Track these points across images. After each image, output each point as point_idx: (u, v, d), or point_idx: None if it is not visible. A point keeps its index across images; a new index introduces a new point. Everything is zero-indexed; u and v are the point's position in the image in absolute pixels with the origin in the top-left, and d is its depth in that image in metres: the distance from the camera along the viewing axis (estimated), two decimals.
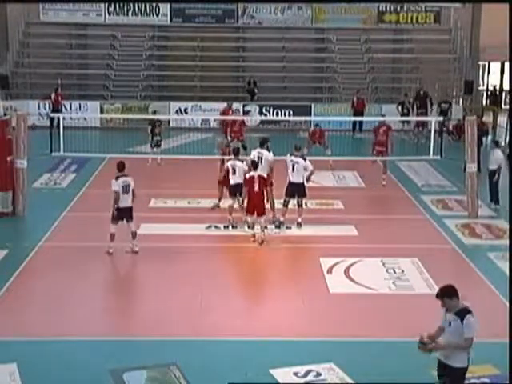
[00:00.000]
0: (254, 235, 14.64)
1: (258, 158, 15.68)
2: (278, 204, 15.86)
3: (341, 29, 33.63)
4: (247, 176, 14.71)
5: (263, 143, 16.11)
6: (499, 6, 26.94)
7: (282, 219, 15.60)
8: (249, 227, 14.90)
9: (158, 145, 21.96)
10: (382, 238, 15.34)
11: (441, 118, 21.47)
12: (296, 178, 15.55)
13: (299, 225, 15.72)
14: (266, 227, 14.70)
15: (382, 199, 19.46)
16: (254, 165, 14.86)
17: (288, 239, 15.27)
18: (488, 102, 35.35)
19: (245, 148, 21.75)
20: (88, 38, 34.15)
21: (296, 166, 15.49)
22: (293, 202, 15.72)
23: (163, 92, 32.34)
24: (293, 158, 15.55)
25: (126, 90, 31.70)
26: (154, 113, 23.42)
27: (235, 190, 15.41)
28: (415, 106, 28.34)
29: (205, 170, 19.74)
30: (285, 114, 28.79)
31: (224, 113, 24.79)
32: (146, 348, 10.07)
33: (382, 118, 22.93)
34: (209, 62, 32.87)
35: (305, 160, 15.65)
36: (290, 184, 15.56)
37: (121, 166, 14.01)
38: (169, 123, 23.95)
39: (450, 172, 21.05)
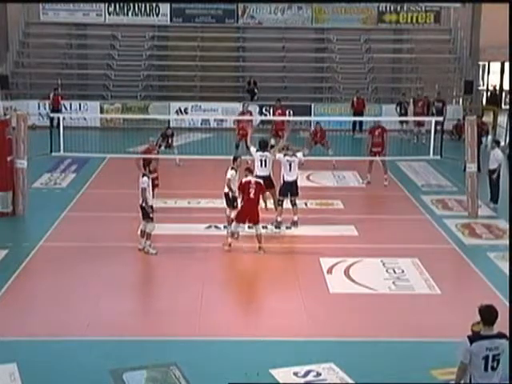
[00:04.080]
0: (230, 244, 14.20)
1: (261, 160, 15.69)
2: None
3: (341, 29, 33.63)
4: (243, 181, 14.23)
5: (264, 145, 16.08)
6: (499, 5, 26.94)
7: (279, 219, 15.61)
8: (232, 235, 14.26)
9: (169, 146, 21.80)
10: (382, 238, 15.33)
11: (441, 118, 21.45)
12: (292, 176, 15.69)
13: (295, 224, 15.75)
14: (261, 235, 14.25)
15: (382, 199, 19.46)
16: (250, 170, 14.49)
17: (288, 239, 15.27)
18: (488, 101, 35.33)
19: (248, 148, 21.72)
20: (88, 38, 34.15)
21: (293, 164, 15.66)
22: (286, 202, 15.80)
23: (163, 92, 32.34)
24: (288, 157, 15.62)
25: (126, 90, 31.70)
26: (169, 127, 22.93)
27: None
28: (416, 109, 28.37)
29: (205, 170, 19.78)
30: (285, 114, 28.75)
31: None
32: (146, 348, 10.07)
33: (377, 118, 22.94)
34: (209, 62, 32.86)
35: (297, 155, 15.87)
36: (286, 183, 15.61)
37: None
38: (169, 123, 23.89)
39: (449, 172, 21.05)
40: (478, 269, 13.44)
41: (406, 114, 27.90)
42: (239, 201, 14.43)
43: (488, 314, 7.11)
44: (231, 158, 15.39)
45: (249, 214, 14.11)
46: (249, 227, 15.28)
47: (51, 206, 17.22)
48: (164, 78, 33.43)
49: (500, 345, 7.10)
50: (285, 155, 15.68)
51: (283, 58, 33.24)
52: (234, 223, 14.29)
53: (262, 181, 14.39)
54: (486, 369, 7.05)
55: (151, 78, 33.08)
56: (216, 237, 14.50)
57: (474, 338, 7.10)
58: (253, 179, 14.19)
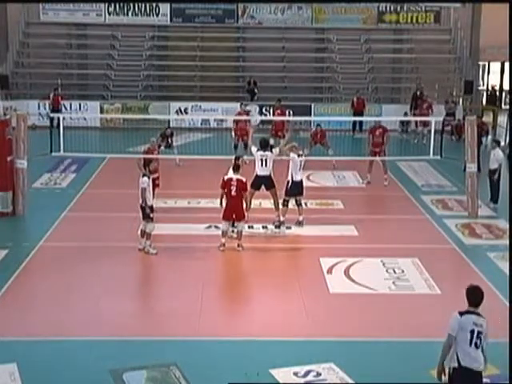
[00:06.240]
0: (224, 244, 14.19)
1: (261, 160, 15.66)
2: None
3: (341, 29, 33.65)
4: (225, 178, 14.24)
5: (265, 144, 16.06)
6: (499, 5, 26.95)
7: (282, 219, 15.61)
8: (223, 234, 14.27)
9: (169, 146, 21.69)
10: (382, 238, 15.34)
11: (441, 118, 21.42)
12: (300, 176, 15.71)
13: (301, 223, 15.76)
14: (241, 232, 14.33)
15: (382, 199, 19.47)
16: (237, 167, 14.34)
17: (288, 239, 15.26)
18: (487, 101, 35.34)
19: (246, 147, 21.74)
20: (88, 38, 34.16)
21: (302, 164, 15.68)
22: (291, 202, 15.78)
23: (163, 92, 32.35)
24: (301, 158, 15.62)
25: (126, 90, 31.71)
26: (168, 127, 22.84)
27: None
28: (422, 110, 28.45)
29: (205, 170, 19.77)
30: (285, 114, 28.75)
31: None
32: (146, 348, 10.07)
33: (377, 118, 22.92)
34: (209, 62, 32.88)
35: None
36: (294, 183, 15.59)
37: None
38: (169, 123, 23.90)
39: (450, 172, 21.05)
40: (478, 269, 13.43)
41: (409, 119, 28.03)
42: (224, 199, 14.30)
43: (474, 296, 7.67)
44: (231, 157, 15.37)
45: (234, 211, 14.14)
46: (249, 227, 15.32)
47: (51, 205, 17.22)
48: (164, 77, 33.43)
49: (483, 323, 7.64)
50: (298, 155, 15.67)
51: (283, 57, 33.25)
52: (222, 222, 14.29)
53: (244, 179, 14.27)
54: (470, 343, 7.58)
55: (151, 77, 33.09)
56: (216, 237, 14.49)
57: (463, 312, 7.65)
58: (234, 177, 14.13)
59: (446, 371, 7.75)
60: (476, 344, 7.60)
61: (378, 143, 19.88)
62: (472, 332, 7.58)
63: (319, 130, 22.07)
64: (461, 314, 7.65)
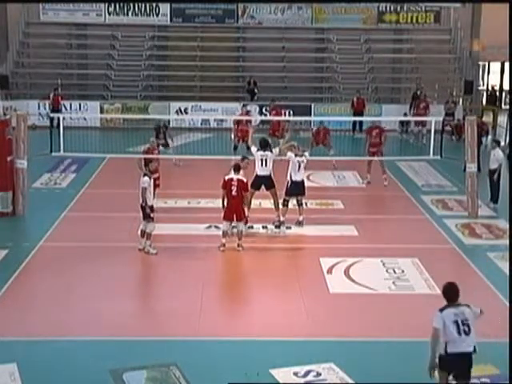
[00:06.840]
0: (224, 244, 14.18)
1: (261, 160, 15.65)
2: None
3: (341, 29, 33.67)
4: (226, 178, 14.19)
5: (265, 144, 16.04)
6: (499, 5, 26.96)
7: (282, 219, 15.60)
8: (224, 235, 14.25)
9: (166, 145, 21.55)
10: (382, 238, 15.34)
11: (440, 118, 21.40)
12: (300, 176, 15.67)
13: (301, 223, 15.75)
14: (241, 232, 14.33)
15: (382, 199, 19.47)
16: (237, 167, 14.33)
17: (288, 239, 15.26)
18: (488, 101, 35.34)
19: (248, 148, 21.74)
20: (88, 38, 34.18)
21: (302, 164, 15.63)
22: (292, 202, 15.78)
23: (163, 92, 32.36)
24: (298, 158, 15.60)
25: (126, 90, 31.72)
26: (169, 124, 22.61)
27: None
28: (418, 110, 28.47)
29: (205, 170, 19.79)
30: (285, 114, 28.77)
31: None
32: (146, 348, 10.07)
33: (377, 118, 22.93)
34: (209, 62, 32.89)
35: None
36: (294, 183, 15.58)
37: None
38: (169, 123, 23.92)
39: (450, 172, 21.05)
40: (478, 269, 13.44)
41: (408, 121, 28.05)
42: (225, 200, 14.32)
43: (450, 292, 8.01)
44: (231, 158, 15.38)
45: (234, 212, 14.14)
46: (249, 227, 15.32)
47: (51, 206, 17.22)
48: (164, 77, 33.44)
49: (465, 310, 7.92)
50: (296, 155, 15.67)
51: (283, 57, 33.26)
52: (223, 222, 14.29)
53: (245, 179, 14.27)
54: (459, 333, 7.84)
55: (151, 77, 33.10)
56: (216, 237, 14.50)
57: (443, 307, 7.98)
58: (235, 177, 14.12)
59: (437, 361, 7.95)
60: (465, 331, 7.83)
61: (375, 143, 19.88)
62: (456, 322, 7.83)
63: (322, 128, 21.92)
64: (441, 310, 7.94)
